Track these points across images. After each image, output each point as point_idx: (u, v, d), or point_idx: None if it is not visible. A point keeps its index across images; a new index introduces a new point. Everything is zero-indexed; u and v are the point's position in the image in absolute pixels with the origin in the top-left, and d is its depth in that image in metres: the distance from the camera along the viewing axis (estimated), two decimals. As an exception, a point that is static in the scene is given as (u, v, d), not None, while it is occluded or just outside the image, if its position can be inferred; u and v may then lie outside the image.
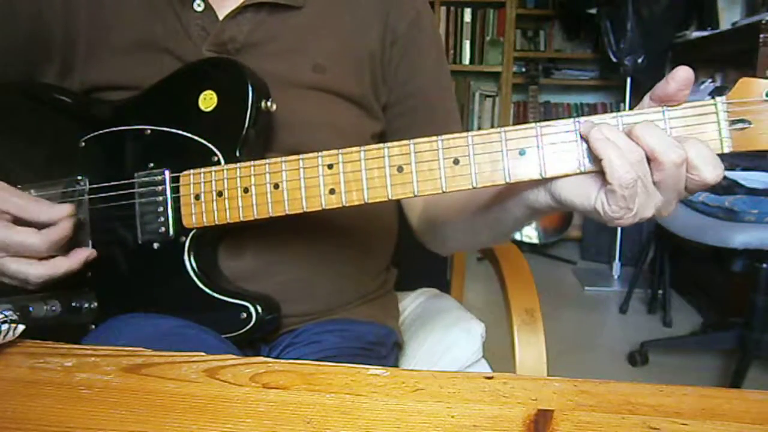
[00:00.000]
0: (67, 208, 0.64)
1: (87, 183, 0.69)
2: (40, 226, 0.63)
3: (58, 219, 0.64)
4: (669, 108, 0.49)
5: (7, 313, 0.52)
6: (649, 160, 0.47)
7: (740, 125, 0.48)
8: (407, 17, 0.78)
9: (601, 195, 0.48)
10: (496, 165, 0.52)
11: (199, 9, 0.72)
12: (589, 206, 0.49)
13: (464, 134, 0.53)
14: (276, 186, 0.60)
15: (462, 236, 0.72)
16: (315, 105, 0.73)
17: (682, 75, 0.48)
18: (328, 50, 0.74)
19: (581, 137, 0.50)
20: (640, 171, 0.46)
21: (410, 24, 0.78)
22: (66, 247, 0.65)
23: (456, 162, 0.53)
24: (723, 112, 0.49)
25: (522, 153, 0.51)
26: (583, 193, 0.50)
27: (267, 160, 0.60)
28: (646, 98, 0.50)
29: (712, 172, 0.46)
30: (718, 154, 0.48)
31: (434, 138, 0.54)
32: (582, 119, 0.50)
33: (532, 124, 0.52)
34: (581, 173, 0.50)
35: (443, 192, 0.54)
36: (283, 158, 0.59)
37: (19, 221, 0.63)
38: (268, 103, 0.66)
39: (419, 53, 0.79)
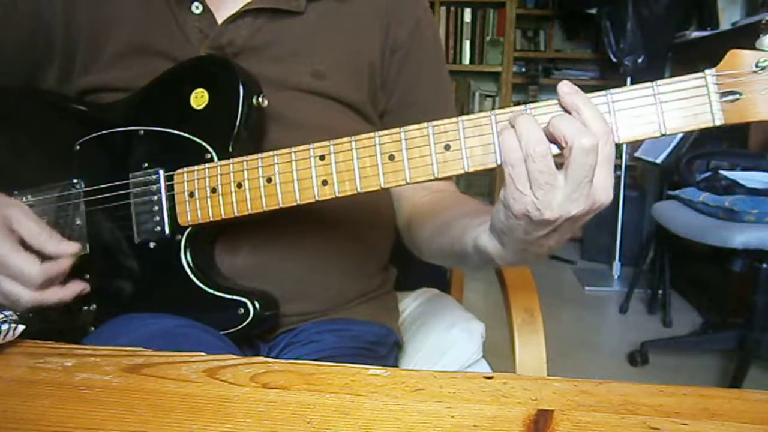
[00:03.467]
0: (74, 247, 0.65)
1: (82, 186, 0.70)
2: (43, 255, 0.64)
3: (63, 255, 0.64)
4: (658, 84, 0.49)
5: (7, 313, 0.52)
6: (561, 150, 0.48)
7: (731, 97, 0.48)
8: (408, 26, 0.78)
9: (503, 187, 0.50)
10: (488, 149, 0.52)
11: (197, 11, 0.72)
12: (499, 203, 0.51)
13: (454, 119, 0.53)
14: (269, 180, 0.60)
15: (436, 256, 0.74)
16: (313, 110, 0.73)
17: (564, 89, 0.50)
18: (328, 56, 0.74)
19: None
20: (537, 161, 0.47)
21: (411, 33, 0.78)
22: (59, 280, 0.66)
23: (447, 147, 0.53)
24: (713, 84, 0.48)
25: None
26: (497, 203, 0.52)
27: (259, 155, 0.60)
28: None
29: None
30: (711, 127, 0.49)
31: (424, 125, 0.54)
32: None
33: (522, 106, 0.52)
34: None
35: (436, 178, 0.54)
36: (275, 152, 0.60)
37: (25, 244, 0.63)
38: (260, 99, 0.66)
39: (419, 63, 0.79)
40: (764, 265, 1.78)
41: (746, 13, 2.63)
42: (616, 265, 3.00)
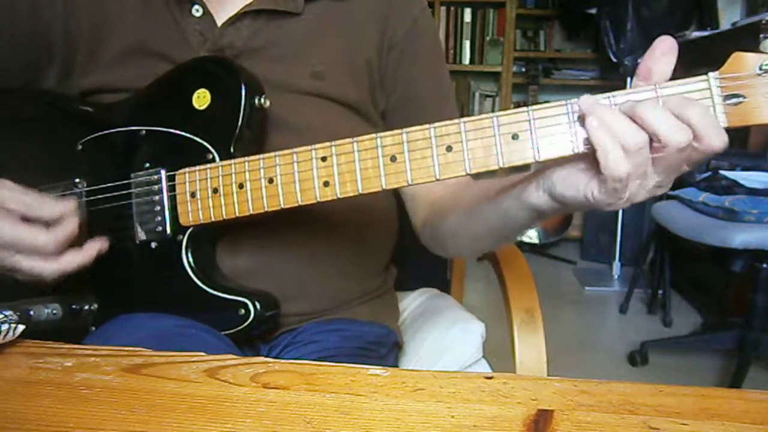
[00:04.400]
0: (70, 204, 0.65)
1: (85, 185, 0.70)
2: (46, 222, 0.64)
3: (61, 215, 0.64)
4: (661, 86, 0.49)
5: (7, 313, 0.52)
6: (651, 140, 0.46)
7: (734, 100, 0.48)
8: (405, 24, 0.78)
9: (591, 184, 0.48)
10: (489, 150, 0.52)
11: (198, 14, 0.72)
12: (579, 197, 0.50)
13: (456, 121, 0.53)
14: (270, 180, 0.60)
15: (464, 242, 0.72)
16: (313, 111, 0.73)
17: (667, 43, 0.48)
18: (327, 57, 0.74)
19: (578, 118, 0.49)
20: (637, 159, 0.46)
21: (408, 31, 0.78)
22: (76, 242, 0.66)
23: (449, 149, 0.53)
24: (716, 87, 0.48)
25: (515, 137, 0.51)
26: (572, 185, 0.50)
27: (261, 155, 0.60)
28: (634, 80, 0.50)
29: (717, 137, 0.45)
30: None
31: (426, 126, 0.54)
32: (573, 100, 0.50)
33: (524, 108, 0.52)
34: (575, 154, 0.50)
35: (437, 179, 0.54)
36: (277, 153, 0.60)
37: (26, 219, 0.63)
38: (262, 100, 0.66)
39: (417, 60, 0.79)
40: (764, 265, 1.78)
41: (746, 13, 2.63)
42: (616, 265, 2.99)
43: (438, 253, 0.81)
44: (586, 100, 0.48)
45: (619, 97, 0.49)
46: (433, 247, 0.80)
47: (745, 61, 0.48)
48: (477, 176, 0.57)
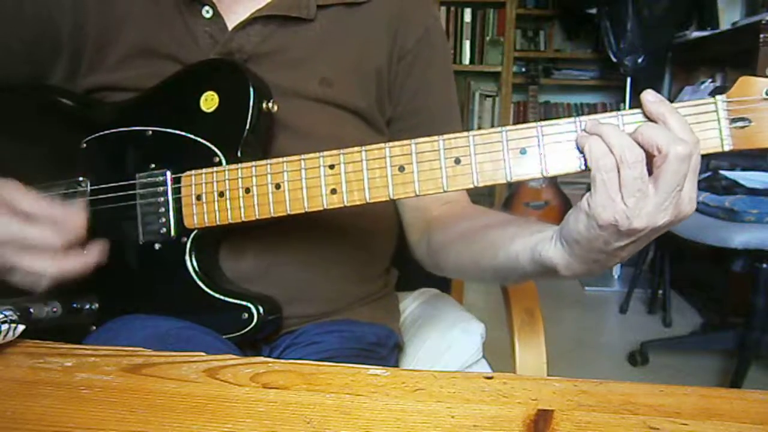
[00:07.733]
0: (78, 207, 0.65)
1: (88, 184, 0.69)
2: (53, 224, 0.63)
3: (69, 218, 0.63)
4: None
5: (8, 313, 0.52)
6: (650, 160, 0.47)
7: (740, 124, 0.49)
8: (416, 34, 0.77)
9: (586, 195, 0.49)
10: (498, 164, 0.52)
11: (208, 15, 0.72)
12: (576, 211, 0.49)
13: (465, 134, 0.53)
14: (277, 186, 0.60)
15: (463, 276, 0.72)
16: (320, 117, 0.73)
17: (649, 98, 0.49)
18: (336, 64, 0.74)
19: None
20: (632, 173, 0.46)
21: (418, 40, 0.77)
22: (80, 244, 0.65)
23: (457, 161, 0.53)
24: (723, 110, 0.49)
25: (523, 152, 0.52)
26: (572, 210, 0.50)
27: (268, 161, 0.60)
28: None
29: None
30: (719, 153, 0.49)
31: (435, 138, 0.54)
32: (583, 118, 0.51)
33: (533, 124, 0.52)
34: (582, 171, 0.50)
35: (445, 191, 0.54)
36: (285, 158, 0.60)
37: (31, 218, 0.63)
38: (270, 104, 0.66)
39: (426, 70, 0.79)
40: (764, 265, 1.78)
41: (746, 13, 2.63)
42: (616, 265, 2.99)
43: (431, 270, 0.79)
44: (591, 122, 0.50)
45: (627, 116, 0.50)
46: (427, 262, 0.79)
47: (752, 86, 0.49)
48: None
